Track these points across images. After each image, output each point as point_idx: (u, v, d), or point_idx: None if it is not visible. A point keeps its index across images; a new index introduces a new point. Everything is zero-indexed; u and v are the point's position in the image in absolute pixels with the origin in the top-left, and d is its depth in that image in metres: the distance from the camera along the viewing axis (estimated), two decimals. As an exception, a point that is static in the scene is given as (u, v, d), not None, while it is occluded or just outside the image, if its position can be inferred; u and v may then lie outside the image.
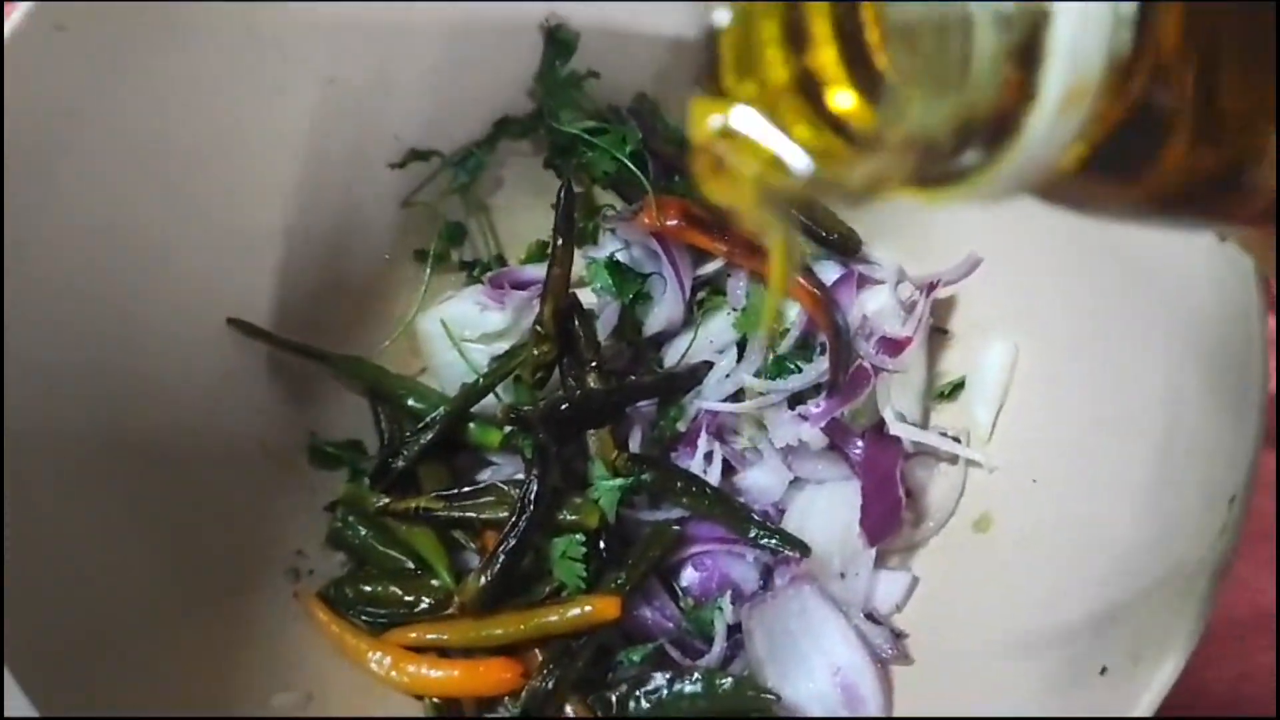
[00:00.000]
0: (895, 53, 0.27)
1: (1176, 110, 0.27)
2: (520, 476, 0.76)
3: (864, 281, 0.80)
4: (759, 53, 0.31)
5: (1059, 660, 0.60)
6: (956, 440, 0.76)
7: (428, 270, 0.85)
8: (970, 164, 0.27)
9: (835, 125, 0.30)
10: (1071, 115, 0.25)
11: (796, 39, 0.30)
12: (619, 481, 0.74)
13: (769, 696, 0.69)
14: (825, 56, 0.29)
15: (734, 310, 0.81)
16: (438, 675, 0.72)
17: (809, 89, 0.30)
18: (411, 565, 0.76)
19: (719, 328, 0.81)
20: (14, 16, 0.61)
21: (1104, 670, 0.55)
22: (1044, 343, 0.74)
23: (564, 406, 0.75)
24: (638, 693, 0.71)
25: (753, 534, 0.74)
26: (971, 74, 0.25)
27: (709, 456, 0.79)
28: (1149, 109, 0.26)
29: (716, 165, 0.33)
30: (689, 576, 0.76)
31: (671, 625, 0.74)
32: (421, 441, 0.78)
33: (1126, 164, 0.28)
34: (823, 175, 0.30)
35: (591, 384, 0.77)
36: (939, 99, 0.26)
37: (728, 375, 0.80)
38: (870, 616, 0.73)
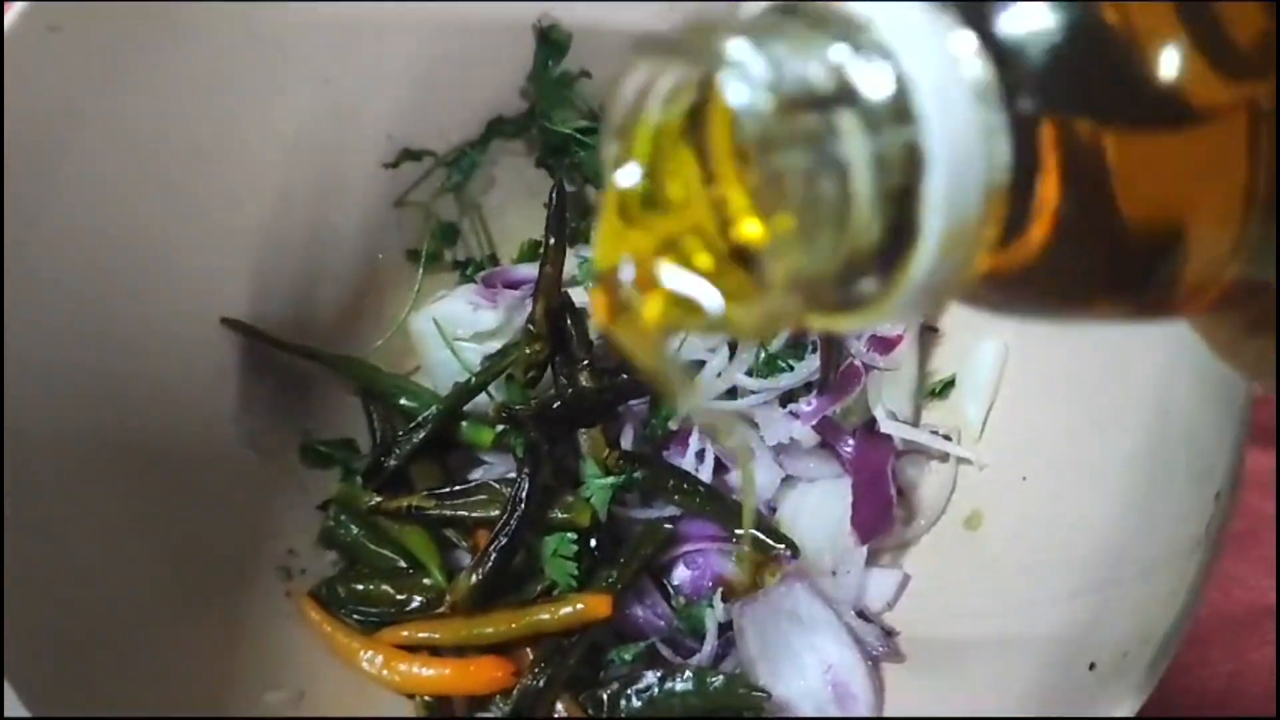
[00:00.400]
0: (774, 200, 0.26)
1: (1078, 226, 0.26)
2: (512, 475, 0.76)
3: (856, 280, 0.80)
4: (664, 196, 0.30)
5: (1048, 656, 0.60)
6: (947, 438, 0.77)
7: (420, 269, 0.85)
8: (866, 293, 0.27)
9: (733, 265, 0.29)
10: (955, 253, 0.25)
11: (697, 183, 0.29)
12: (610, 480, 0.74)
13: (760, 694, 0.69)
14: (726, 195, 0.28)
15: (726, 309, 0.81)
16: (429, 674, 0.72)
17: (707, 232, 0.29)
18: (403, 564, 0.76)
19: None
20: (8, 17, 0.61)
21: (1092, 666, 0.55)
22: (1034, 340, 0.74)
23: (555, 405, 0.75)
24: (629, 691, 0.71)
25: (743, 531, 0.74)
26: (852, 218, 0.25)
27: (701, 454, 0.79)
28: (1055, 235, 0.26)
29: (620, 305, 0.31)
30: (681, 574, 0.76)
31: (663, 623, 0.74)
32: (414, 440, 0.78)
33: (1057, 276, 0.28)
34: (722, 314, 0.29)
35: (583, 382, 0.77)
36: (819, 242, 0.26)
37: (719, 374, 0.80)
38: (861, 614, 0.73)
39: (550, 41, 0.82)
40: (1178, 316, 0.32)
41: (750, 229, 0.27)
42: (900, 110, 0.24)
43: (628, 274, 0.30)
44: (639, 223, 0.30)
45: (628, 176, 0.29)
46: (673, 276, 0.29)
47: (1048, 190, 0.25)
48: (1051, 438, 0.70)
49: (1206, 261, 0.28)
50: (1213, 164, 0.27)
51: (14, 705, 0.53)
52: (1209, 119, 0.26)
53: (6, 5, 0.62)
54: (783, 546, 0.74)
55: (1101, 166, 0.25)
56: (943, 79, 0.24)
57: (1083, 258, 0.27)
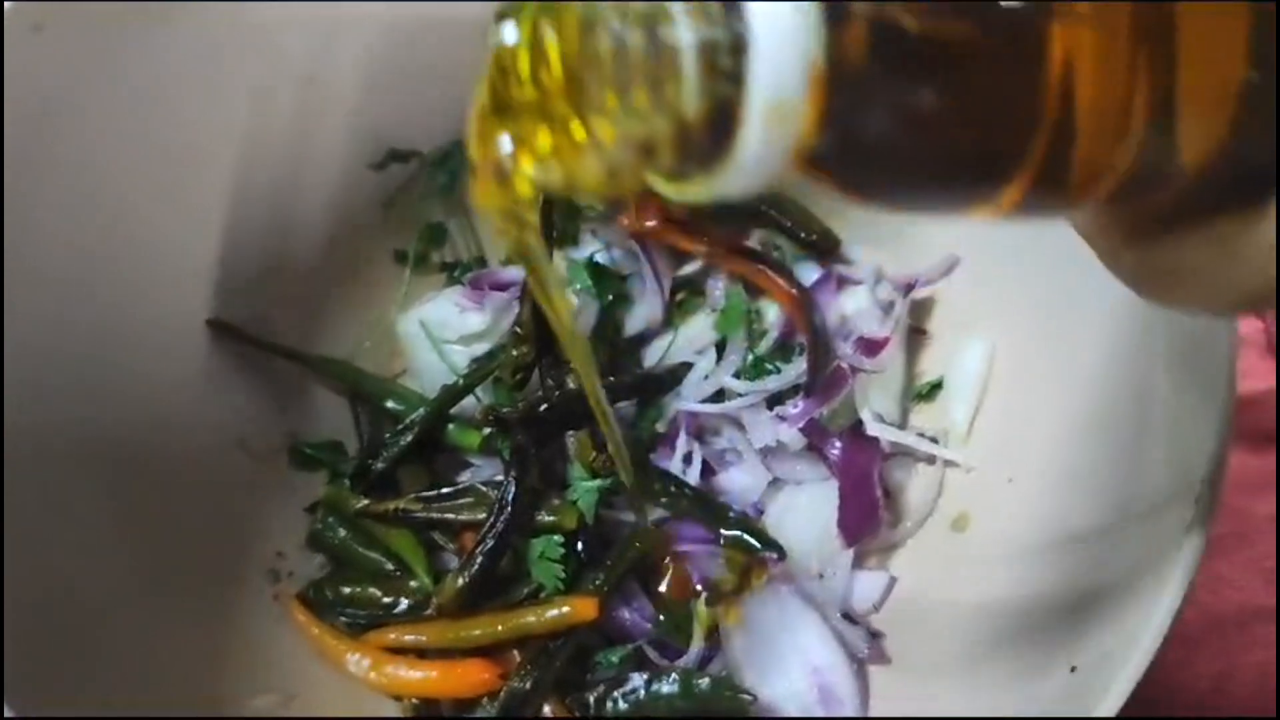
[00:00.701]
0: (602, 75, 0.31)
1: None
2: (499, 478, 0.76)
3: (842, 282, 0.80)
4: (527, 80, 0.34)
5: (1031, 657, 0.61)
6: (934, 440, 0.77)
7: (408, 271, 0.85)
8: (703, 166, 0.30)
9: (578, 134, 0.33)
10: (782, 127, 0.28)
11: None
12: (597, 483, 0.74)
13: (746, 697, 0.69)
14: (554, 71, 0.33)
15: (713, 311, 0.81)
16: (416, 676, 0.72)
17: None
18: (391, 566, 0.76)
19: (698, 328, 0.81)
20: (-8, 12, 0.61)
21: (1074, 669, 0.55)
22: (1020, 342, 0.74)
23: (543, 408, 0.75)
24: (615, 693, 0.71)
25: (730, 534, 0.74)
26: (676, 90, 0.28)
27: (688, 457, 0.79)
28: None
29: (497, 172, 0.37)
30: (668, 577, 0.76)
31: (649, 626, 0.74)
32: (401, 443, 0.78)
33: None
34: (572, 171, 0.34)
35: (571, 385, 0.77)
36: (650, 115, 0.29)
37: (707, 376, 0.80)
38: (847, 616, 0.73)
39: (538, 42, 0.81)
40: (1064, 209, 0.34)
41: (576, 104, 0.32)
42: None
43: (505, 147, 0.36)
44: (506, 110, 0.35)
45: (506, 35, 0.34)
46: (535, 143, 0.35)
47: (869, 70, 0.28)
48: (1037, 439, 0.70)
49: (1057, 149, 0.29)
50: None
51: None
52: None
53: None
54: (772, 551, 0.74)
55: (921, 45, 0.28)
56: None
57: (913, 138, 0.29)
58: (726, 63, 0.27)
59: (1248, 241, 0.31)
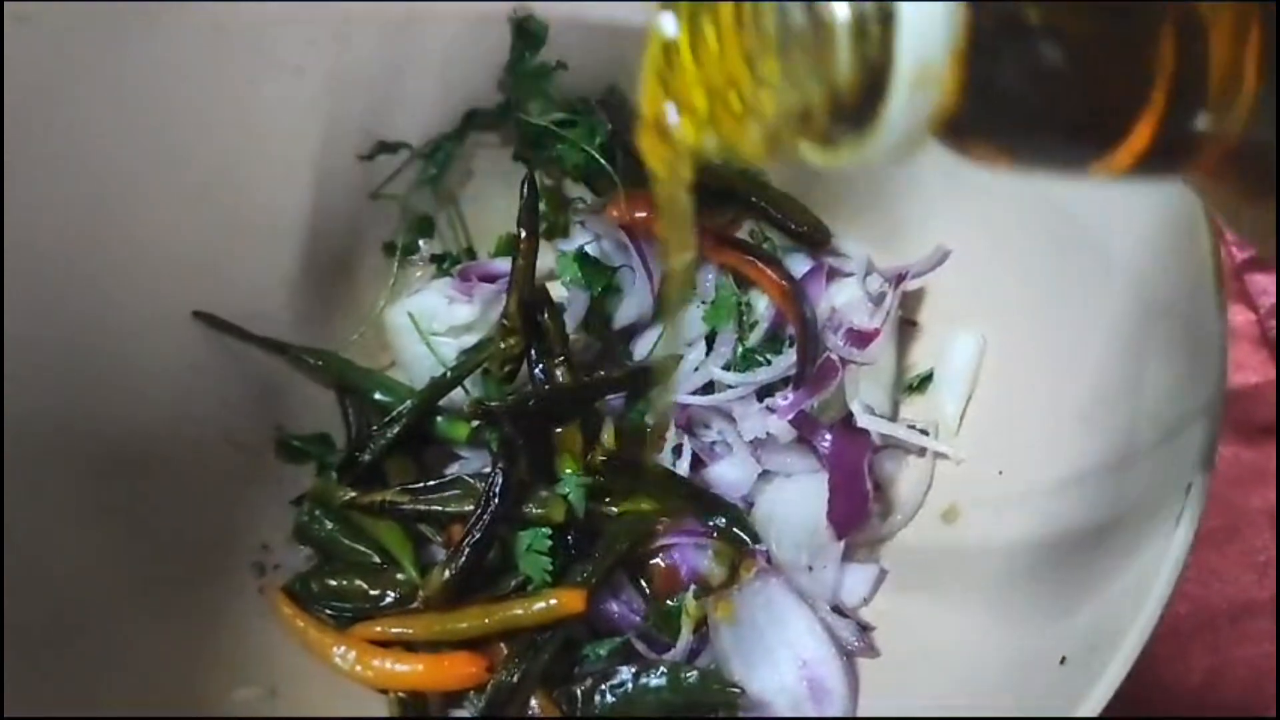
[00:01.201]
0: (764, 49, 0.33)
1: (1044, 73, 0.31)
2: (488, 470, 0.75)
3: (833, 274, 0.80)
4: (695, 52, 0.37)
5: (1021, 650, 0.60)
6: (924, 433, 0.76)
7: (396, 263, 0.85)
8: (854, 131, 0.32)
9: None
10: (927, 92, 0.30)
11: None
12: (586, 479, 0.74)
13: (734, 690, 0.69)
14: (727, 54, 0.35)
15: (703, 303, 0.81)
16: (402, 669, 0.71)
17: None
18: (377, 559, 0.76)
19: (688, 320, 0.81)
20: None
21: (1063, 660, 0.55)
22: (1011, 335, 0.74)
23: (531, 401, 0.75)
24: (603, 687, 0.70)
25: (718, 526, 0.74)
26: (837, 65, 0.31)
27: (678, 449, 0.78)
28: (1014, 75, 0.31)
29: (662, 134, 0.39)
30: (656, 569, 0.76)
31: (638, 619, 0.74)
32: (389, 435, 0.78)
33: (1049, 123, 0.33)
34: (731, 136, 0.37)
35: (560, 377, 0.76)
36: (809, 84, 0.32)
37: (696, 368, 0.80)
38: (837, 609, 0.73)
39: (526, 33, 0.81)
40: (1182, 167, 0.35)
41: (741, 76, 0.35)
42: None
43: (671, 116, 0.38)
44: (674, 75, 0.37)
45: (668, 28, 0.37)
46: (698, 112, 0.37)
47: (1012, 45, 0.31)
48: (1028, 432, 0.70)
49: (1186, 119, 0.32)
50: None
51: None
52: None
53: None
54: (760, 544, 0.73)
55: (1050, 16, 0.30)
56: None
57: (1050, 106, 0.32)
58: (876, 33, 0.30)
59: None
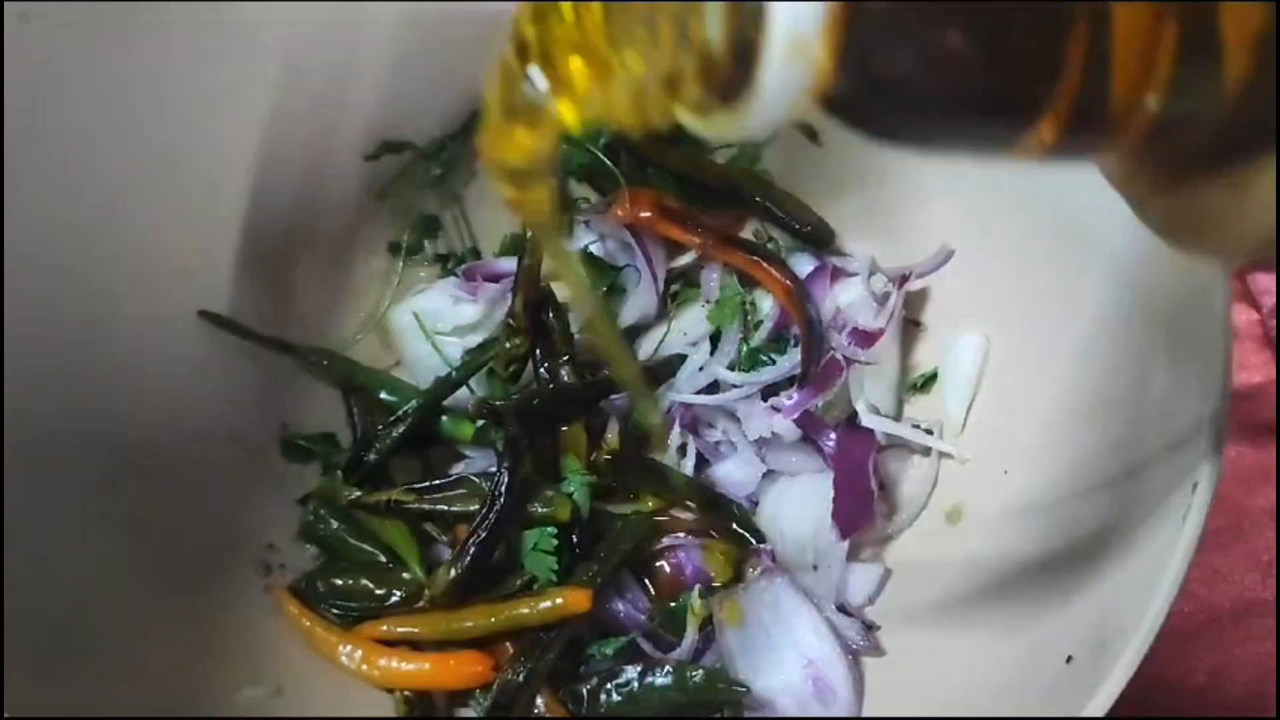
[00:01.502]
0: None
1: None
2: (493, 470, 0.75)
3: (837, 274, 0.80)
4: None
5: (1026, 649, 0.60)
6: (929, 432, 0.76)
7: (401, 263, 0.85)
8: (728, 100, 0.31)
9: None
10: (800, 65, 0.29)
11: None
12: (591, 478, 0.74)
13: (739, 689, 0.69)
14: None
15: (707, 303, 0.81)
16: (408, 668, 0.71)
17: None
18: (383, 558, 0.76)
19: (692, 320, 0.81)
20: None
21: (1069, 659, 0.55)
22: (1015, 334, 0.74)
23: (536, 401, 0.75)
24: (609, 686, 0.70)
25: (723, 526, 0.74)
26: (707, 32, 0.30)
27: (682, 449, 0.79)
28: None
29: (524, 110, 0.38)
30: (662, 569, 0.76)
31: (643, 618, 0.74)
32: (394, 435, 0.78)
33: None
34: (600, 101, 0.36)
35: (565, 377, 0.76)
36: (679, 50, 0.32)
37: (701, 368, 0.80)
38: (842, 608, 0.73)
39: (531, 33, 0.81)
40: (1093, 151, 0.34)
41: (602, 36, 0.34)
42: None
43: (539, 82, 0.37)
44: (533, 53, 0.36)
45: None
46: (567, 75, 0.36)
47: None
48: (1033, 431, 0.70)
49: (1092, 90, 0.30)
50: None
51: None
52: None
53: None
54: (764, 544, 0.73)
55: None
56: None
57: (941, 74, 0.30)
58: (749, 4, 0.29)
59: (1258, 187, 0.32)
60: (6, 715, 0.52)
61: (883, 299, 0.78)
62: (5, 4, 0.62)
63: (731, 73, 0.31)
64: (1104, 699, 0.49)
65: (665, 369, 0.80)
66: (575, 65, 0.36)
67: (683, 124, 0.34)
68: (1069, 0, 0.29)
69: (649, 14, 0.32)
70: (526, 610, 0.70)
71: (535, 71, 0.37)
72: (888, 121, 0.32)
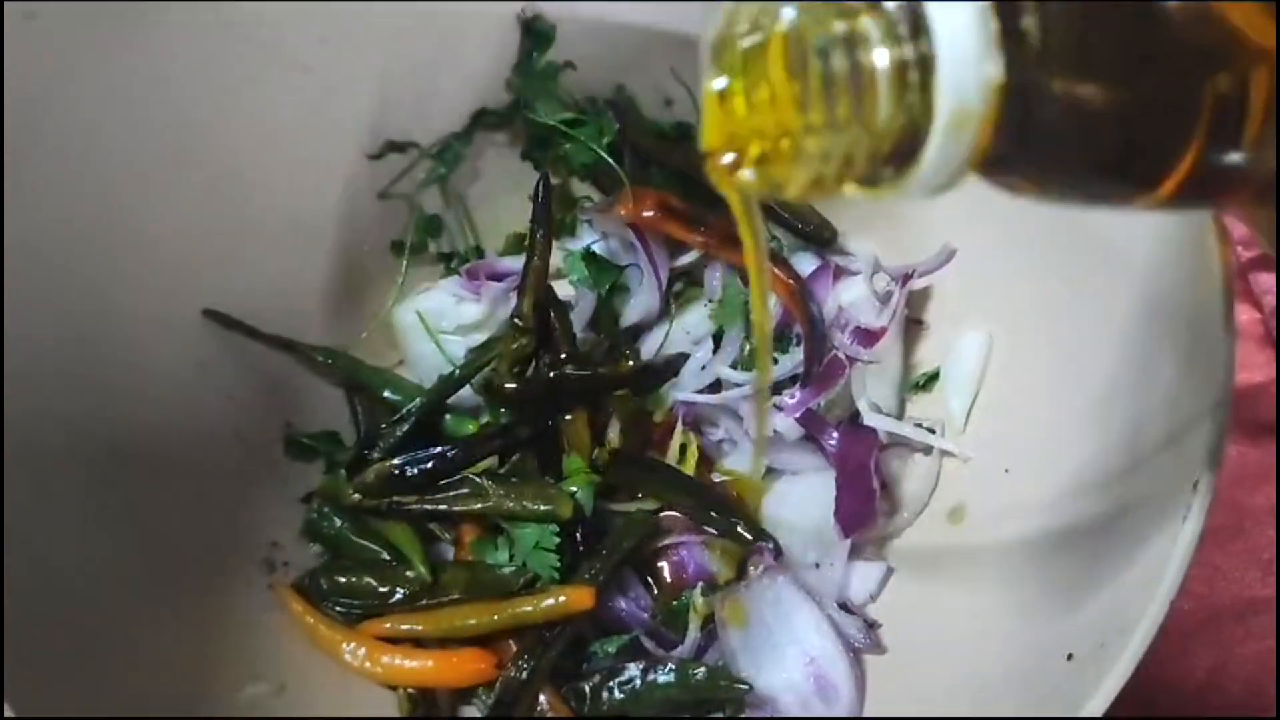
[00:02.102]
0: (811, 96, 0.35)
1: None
2: (495, 469, 0.76)
3: (840, 273, 0.80)
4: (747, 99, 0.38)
5: (1027, 647, 0.61)
6: (931, 431, 0.77)
7: (404, 261, 0.85)
8: (895, 171, 0.34)
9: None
10: (964, 133, 0.32)
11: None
12: (594, 477, 0.74)
13: (741, 686, 0.69)
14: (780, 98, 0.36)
15: (710, 302, 0.81)
16: (412, 666, 0.72)
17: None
18: (386, 556, 0.76)
19: (695, 319, 0.81)
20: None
21: (1070, 657, 0.55)
22: (1018, 333, 0.74)
23: (539, 384, 0.76)
24: (611, 683, 0.71)
25: (725, 525, 0.74)
26: (879, 111, 0.33)
27: (684, 448, 0.79)
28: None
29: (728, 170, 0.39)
30: (664, 567, 0.76)
31: (645, 616, 0.74)
32: (398, 433, 0.78)
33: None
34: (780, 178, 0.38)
35: (569, 373, 0.77)
36: (853, 130, 0.34)
37: (704, 366, 0.80)
38: (844, 606, 0.73)
39: (534, 33, 0.81)
40: (1216, 206, 0.39)
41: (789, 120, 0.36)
42: (915, 23, 0.32)
43: (726, 159, 0.39)
44: (731, 118, 0.38)
45: (718, 84, 0.37)
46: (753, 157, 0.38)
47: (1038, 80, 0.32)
48: (1035, 430, 0.70)
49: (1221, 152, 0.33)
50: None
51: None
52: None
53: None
54: (766, 543, 0.74)
55: (1085, 62, 0.32)
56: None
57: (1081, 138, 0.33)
58: (915, 79, 0.32)
59: None
60: (7, 715, 0.52)
61: (885, 298, 0.78)
62: (9, 2, 0.62)
63: (900, 144, 0.33)
64: (1104, 697, 0.50)
65: (668, 368, 0.80)
66: (754, 149, 0.38)
67: (848, 193, 0.37)
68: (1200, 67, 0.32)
69: (824, 97, 0.34)
70: (529, 608, 0.70)
71: (727, 156, 0.39)
72: (1032, 180, 0.35)
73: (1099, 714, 0.50)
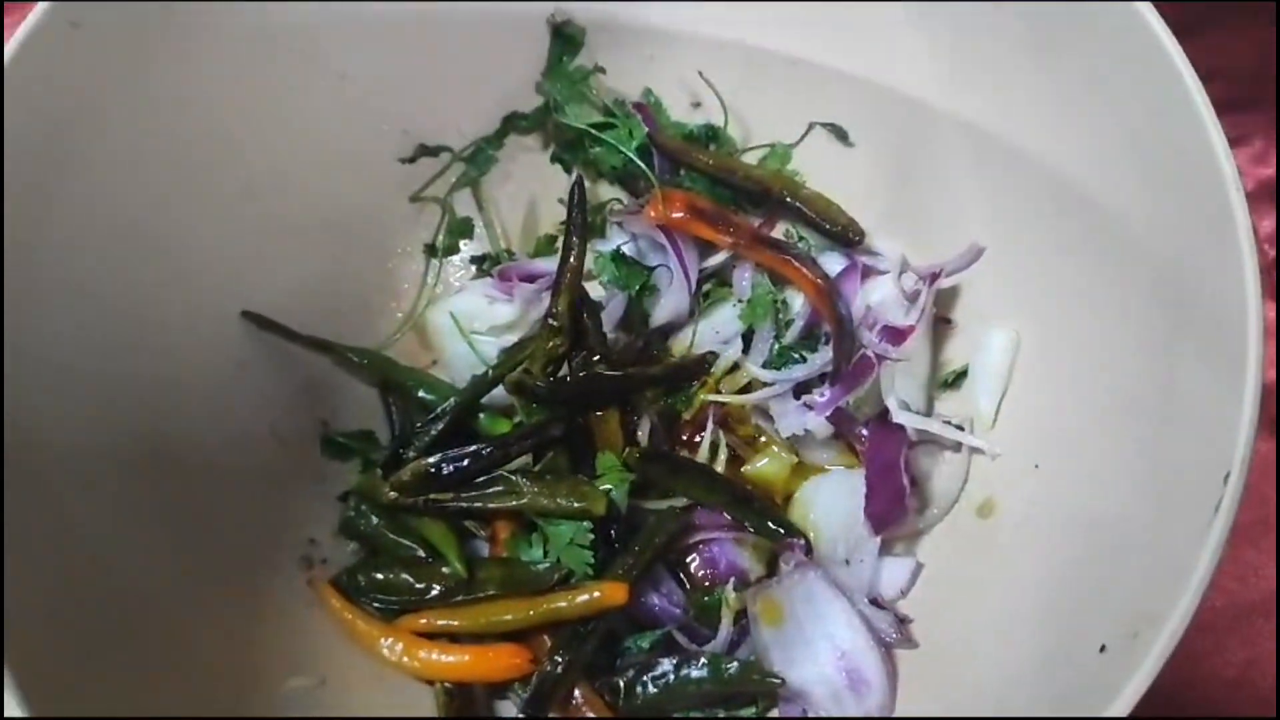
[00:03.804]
0: None
1: None
2: (529, 466, 0.77)
3: (868, 272, 0.80)
4: None
5: (1058, 640, 0.61)
6: (960, 428, 0.77)
7: (438, 263, 0.86)
8: None
9: None
10: None
11: None
12: (628, 474, 0.75)
13: (774, 680, 0.70)
14: None
15: (739, 301, 0.82)
16: (448, 660, 0.73)
17: None
18: (422, 553, 0.77)
19: (724, 318, 0.82)
20: (31, 13, 0.62)
21: (1103, 648, 0.55)
22: (1045, 330, 0.75)
23: (569, 379, 0.77)
24: (645, 678, 0.71)
25: (756, 522, 0.75)
26: None
27: (715, 446, 0.79)
28: None
29: None
30: (696, 563, 0.77)
31: (679, 611, 0.75)
32: (432, 432, 0.79)
33: None
34: None
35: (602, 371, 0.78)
36: None
37: (735, 365, 0.81)
38: (875, 601, 0.74)
39: (564, 37, 0.83)
40: None
41: None
42: None
43: None
44: None
45: None
46: None
47: None
48: (1063, 425, 0.71)
49: None
50: None
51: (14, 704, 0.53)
52: None
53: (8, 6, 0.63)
54: (798, 539, 0.74)
55: None
56: None
57: None
58: None
59: None
60: (7, 715, 0.52)
61: (913, 297, 0.78)
62: (57, 10, 0.63)
63: None
64: (1135, 689, 0.50)
65: (698, 366, 0.81)
66: None
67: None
68: None
69: None
70: (564, 604, 0.71)
71: None
72: None
73: (1133, 703, 0.50)
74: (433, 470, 0.74)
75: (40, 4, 0.63)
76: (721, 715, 0.73)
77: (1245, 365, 0.54)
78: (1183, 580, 0.52)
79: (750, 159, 0.86)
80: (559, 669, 0.71)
